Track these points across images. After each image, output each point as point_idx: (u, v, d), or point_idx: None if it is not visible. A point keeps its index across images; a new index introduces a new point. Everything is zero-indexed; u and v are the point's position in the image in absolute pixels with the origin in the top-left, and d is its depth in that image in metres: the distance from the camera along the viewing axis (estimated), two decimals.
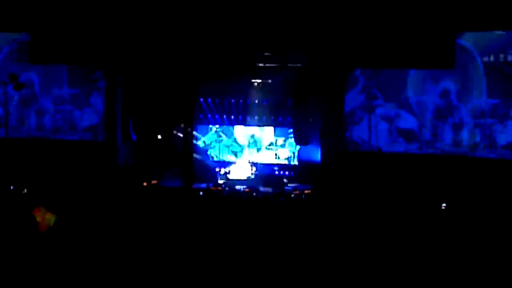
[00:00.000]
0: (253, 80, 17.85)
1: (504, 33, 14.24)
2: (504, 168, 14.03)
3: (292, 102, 18.08)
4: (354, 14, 14.34)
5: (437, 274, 5.27)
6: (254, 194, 15.75)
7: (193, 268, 5.11)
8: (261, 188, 16.99)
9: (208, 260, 5.36)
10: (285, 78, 17.39)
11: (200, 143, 19.92)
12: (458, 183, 13.86)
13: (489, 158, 14.59)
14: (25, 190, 11.24)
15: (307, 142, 17.67)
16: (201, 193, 14.93)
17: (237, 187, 17.21)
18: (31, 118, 17.54)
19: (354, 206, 11.20)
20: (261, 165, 19.57)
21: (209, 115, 19.75)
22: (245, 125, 19.95)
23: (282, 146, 19.89)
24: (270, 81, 17.81)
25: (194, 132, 18.76)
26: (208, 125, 20.05)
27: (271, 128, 19.91)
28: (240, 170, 19.35)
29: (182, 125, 17.83)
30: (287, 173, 19.25)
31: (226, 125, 20.02)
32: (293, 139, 18.63)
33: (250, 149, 20.04)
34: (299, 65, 16.15)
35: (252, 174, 19.23)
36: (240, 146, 20.13)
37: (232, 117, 19.78)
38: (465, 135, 15.03)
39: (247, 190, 16.60)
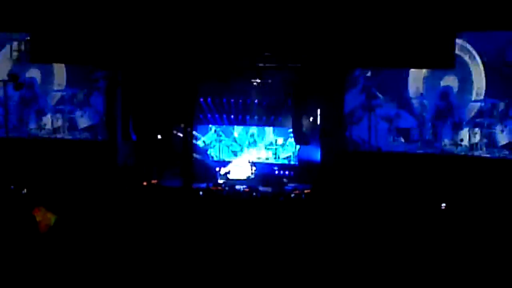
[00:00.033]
0: (253, 80, 17.85)
1: (503, 33, 14.25)
2: (504, 168, 14.04)
3: (292, 102, 18.07)
4: (354, 14, 14.33)
5: (437, 274, 5.28)
6: (254, 193, 15.76)
7: (193, 268, 5.12)
8: (261, 188, 17.00)
9: (208, 260, 5.36)
10: (285, 78, 17.39)
11: (200, 143, 19.92)
12: (457, 182, 13.87)
13: (488, 158, 14.60)
14: (25, 190, 11.25)
15: (307, 142, 17.67)
16: (201, 192, 14.93)
17: (237, 186, 17.21)
18: (31, 118, 17.56)
19: (354, 206, 11.21)
20: (261, 165, 19.56)
21: (209, 115, 19.75)
22: (245, 125, 19.94)
23: (282, 145, 19.89)
24: (270, 81, 17.81)
25: (194, 132, 18.75)
26: (208, 125, 20.04)
27: (271, 128, 19.91)
28: (240, 169, 19.35)
29: (182, 125, 17.82)
30: (287, 172, 19.25)
31: (226, 125, 20.01)
32: (293, 138, 18.62)
33: (250, 149, 20.04)
34: (299, 65, 16.15)
35: (252, 174, 19.24)
36: (240, 145, 20.13)
37: (232, 116, 19.77)
38: (464, 134, 15.04)
39: (247, 189, 16.60)
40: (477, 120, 14.86)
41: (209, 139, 20.17)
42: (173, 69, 16.33)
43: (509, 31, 14.15)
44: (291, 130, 18.69)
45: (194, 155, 18.60)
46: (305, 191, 15.87)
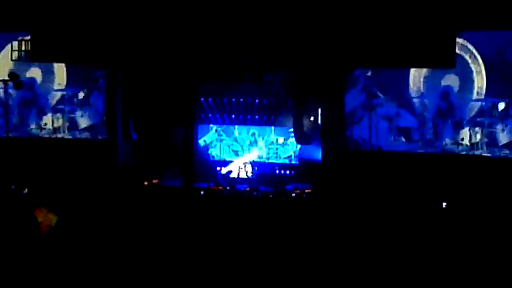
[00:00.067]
0: (253, 80, 17.83)
1: (504, 32, 14.24)
2: (505, 167, 14.04)
3: (292, 101, 18.06)
4: (354, 13, 14.33)
5: (438, 272, 5.27)
6: (255, 193, 15.75)
7: (194, 267, 5.12)
8: (262, 187, 16.98)
9: (209, 259, 5.36)
10: (286, 78, 17.38)
11: (200, 142, 19.90)
12: (458, 182, 13.87)
13: (489, 157, 14.60)
14: (26, 190, 11.26)
15: (307, 142, 17.66)
16: (202, 192, 14.94)
17: (238, 186, 17.20)
18: (32, 117, 17.56)
19: (354, 205, 11.21)
20: (262, 164, 19.54)
21: (210, 115, 19.72)
22: (245, 124, 19.92)
23: (283, 145, 19.87)
24: (270, 80, 17.78)
25: (195, 131, 18.74)
26: (209, 124, 20.02)
27: (272, 127, 19.89)
28: (240, 169, 19.34)
29: (183, 125, 17.81)
30: (287, 172, 19.21)
31: (227, 124, 19.99)
32: (293, 138, 18.61)
33: (251, 148, 20.02)
34: (300, 65, 16.13)
35: (252, 173, 19.22)
36: (241, 145, 20.11)
37: (233, 116, 19.75)
38: (465, 134, 15.04)
39: (247, 189, 16.59)
40: (478, 119, 14.87)
41: (210, 139, 20.15)
42: (174, 69, 16.31)
43: (509, 30, 14.15)
44: (292, 129, 18.67)
45: (195, 154, 18.59)
46: (306, 190, 15.87)
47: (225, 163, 19.61)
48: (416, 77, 15.67)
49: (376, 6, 14.26)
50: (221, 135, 20.08)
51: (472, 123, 14.93)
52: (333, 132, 16.25)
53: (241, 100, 19.19)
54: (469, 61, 14.82)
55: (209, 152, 20.03)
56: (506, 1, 13.61)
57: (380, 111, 16.10)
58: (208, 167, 19.31)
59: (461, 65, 14.72)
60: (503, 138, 14.50)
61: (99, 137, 17.14)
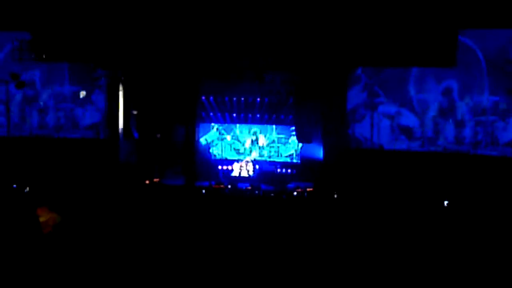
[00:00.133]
0: (254, 78, 17.83)
1: (506, 31, 14.23)
2: (506, 165, 14.04)
3: (294, 100, 18.08)
4: (356, 12, 14.32)
5: (440, 271, 5.27)
6: (256, 192, 15.76)
7: (196, 266, 5.12)
8: (263, 186, 17.00)
9: (211, 257, 5.36)
10: (287, 76, 17.38)
11: (202, 141, 19.92)
12: (460, 180, 13.87)
13: (490, 156, 14.59)
14: (28, 189, 11.27)
15: (309, 140, 17.67)
16: (203, 191, 14.94)
17: (240, 185, 17.21)
18: (33, 116, 17.58)
19: (356, 203, 11.21)
20: (263, 163, 19.56)
21: (211, 113, 19.75)
22: (247, 123, 19.94)
23: (284, 144, 19.88)
24: (272, 79, 17.79)
25: (196, 130, 18.77)
26: (210, 123, 20.04)
27: (273, 126, 19.91)
28: (242, 168, 19.36)
29: (184, 123, 17.82)
30: (289, 171, 19.24)
31: (228, 123, 20.01)
32: (295, 137, 18.62)
33: (252, 147, 20.03)
34: (301, 64, 16.13)
35: (254, 172, 19.24)
36: (242, 144, 20.13)
37: (234, 115, 19.78)
38: (467, 132, 15.04)
39: (249, 188, 16.60)
40: (479, 118, 14.85)
41: (211, 138, 20.16)
42: (175, 67, 16.31)
43: (511, 29, 14.14)
44: (293, 128, 18.69)
45: (196, 153, 18.61)
46: (308, 189, 15.87)
47: (227, 161, 19.62)
48: (418, 75, 15.67)
49: (377, 5, 14.25)
50: (223, 134, 20.10)
51: (474, 122, 14.92)
52: (335, 131, 16.26)
53: (242, 99, 19.21)
54: (471, 59, 14.81)
55: (211, 150, 20.05)
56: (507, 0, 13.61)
57: (382, 109, 16.11)
58: (209, 166, 19.34)
59: (463, 64, 14.71)
60: (504, 137, 14.49)
61: (101, 135, 17.16)
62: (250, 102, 19.26)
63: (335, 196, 13.74)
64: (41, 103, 17.45)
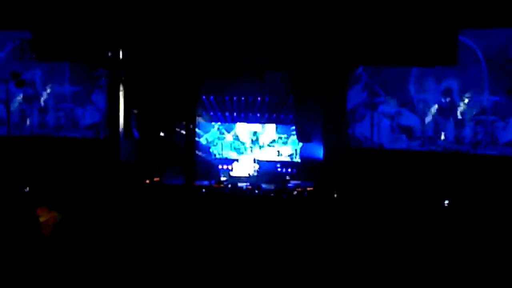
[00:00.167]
0: (255, 77, 17.83)
1: (506, 30, 14.22)
2: (506, 165, 14.03)
3: (294, 99, 18.08)
4: (356, 11, 14.32)
5: (440, 271, 5.27)
6: (257, 191, 15.76)
7: (195, 266, 5.12)
8: (264, 185, 17.00)
9: (210, 257, 5.36)
10: (287, 76, 17.38)
11: (202, 141, 19.93)
12: (460, 180, 13.86)
13: (490, 155, 14.59)
14: (28, 188, 11.26)
15: (309, 139, 17.67)
16: (203, 190, 14.94)
17: (240, 184, 17.21)
18: (34, 116, 17.58)
19: (356, 203, 11.20)
20: (264, 163, 19.57)
21: (212, 113, 19.76)
22: (247, 122, 19.94)
23: (285, 143, 19.89)
24: (272, 78, 17.80)
25: (196, 130, 18.78)
26: (211, 122, 20.05)
27: (273, 126, 19.92)
28: (242, 167, 19.36)
29: (184, 123, 17.84)
30: (289, 170, 19.26)
31: (229, 122, 20.02)
32: (295, 136, 18.63)
33: (252, 147, 20.04)
34: (301, 63, 16.14)
35: (254, 171, 19.24)
36: (243, 143, 20.13)
37: (234, 114, 19.79)
38: (467, 132, 15.03)
39: (249, 187, 16.61)
40: (480, 117, 14.85)
41: (212, 137, 20.17)
42: (176, 67, 16.32)
43: (511, 28, 14.13)
44: (293, 127, 18.70)
45: (197, 152, 18.62)
46: (308, 188, 15.88)
47: (227, 161, 19.63)
48: (418, 75, 15.66)
49: (378, 5, 14.25)
50: (223, 133, 20.11)
51: (474, 121, 14.92)
52: (335, 130, 16.26)
53: (243, 98, 19.22)
54: (471, 59, 14.81)
55: (211, 150, 20.05)
56: None
57: (382, 109, 16.10)
58: (209, 165, 19.35)
59: (463, 63, 14.71)
60: (504, 137, 14.50)
61: (101, 135, 17.15)
62: (250, 101, 19.27)
63: (335, 195, 13.73)
64: (42, 103, 17.46)
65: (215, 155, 20.08)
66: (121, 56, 16.01)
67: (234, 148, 20.10)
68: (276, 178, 18.46)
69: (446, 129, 15.37)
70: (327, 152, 16.43)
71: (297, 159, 19.53)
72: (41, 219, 4.15)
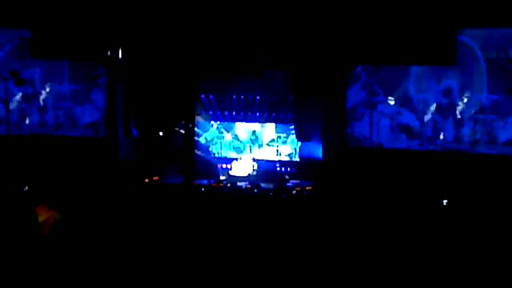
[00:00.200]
0: (254, 76, 17.83)
1: (506, 30, 14.23)
2: (505, 164, 14.04)
3: (293, 98, 18.07)
4: (355, 11, 14.32)
5: (439, 270, 5.28)
6: (256, 190, 15.76)
7: (194, 265, 5.13)
8: (263, 185, 17.00)
9: (209, 256, 5.37)
10: (287, 75, 17.37)
11: (201, 140, 19.92)
12: (459, 179, 13.87)
13: (490, 154, 14.60)
14: (27, 187, 11.25)
15: (308, 139, 17.67)
16: (202, 189, 14.94)
17: (239, 183, 17.21)
18: (33, 114, 17.57)
19: (355, 202, 11.21)
20: (263, 162, 19.57)
21: (211, 112, 19.75)
22: (246, 121, 19.94)
23: (284, 142, 19.89)
24: (271, 77, 17.79)
25: (196, 129, 18.77)
26: (210, 121, 20.04)
27: (273, 125, 19.91)
28: (241, 166, 19.36)
29: (183, 122, 17.83)
30: (288, 169, 19.26)
31: (228, 121, 20.01)
32: (294, 135, 18.62)
33: (252, 146, 20.04)
34: (300, 62, 16.15)
35: (253, 170, 19.24)
36: (242, 142, 20.13)
37: (234, 113, 19.78)
38: (466, 131, 15.05)
39: (248, 186, 16.61)
40: (479, 116, 14.86)
41: (211, 136, 20.17)
42: (175, 66, 16.32)
43: (511, 28, 14.14)
44: (292, 126, 18.69)
45: (196, 151, 18.62)
46: (307, 187, 15.88)
47: (226, 160, 19.63)
48: (418, 74, 15.67)
49: (377, 4, 14.26)
50: (222, 132, 20.10)
51: (473, 121, 14.93)
52: (334, 129, 16.26)
53: (242, 97, 19.20)
54: (470, 58, 14.82)
55: (210, 149, 20.05)
56: None
57: (381, 108, 16.11)
58: (209, 164, 19.34)
59: (462, 63, 14.72)
60: (503, 136, 14.51)
61: (100, 134, 17.15)
62: (249, 100, 19.26)
63: (334, 194, 13.74)
64: (41, 102, 17.46)
65: (214, 154, 20.07)
66: (120, 55, 16.01)
67: (233, 147, 20.10)
68: (275, 177, 18.45)
69: (445, 128, 15.38)
70: (326, 151, 16.43)
71: (296, 158, 19.52)
72: (41, 218, 4.15)
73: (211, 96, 19.18)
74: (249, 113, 19.68)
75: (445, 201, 12.34)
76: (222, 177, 18.58)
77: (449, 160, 14.91)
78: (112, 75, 16.75)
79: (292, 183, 17.74)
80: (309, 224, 7.50)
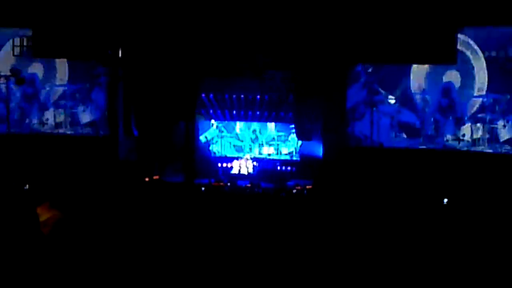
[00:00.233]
0: (254, 76, 17.83)
1: (506, 28, 14.23)
2: (505, 163, 14.04)
3: (293, 97, 18.06)
4: (355, 9, 14.31)
5: (439, 269, 5.28)
6: (256, 189, 15.77)
7: (195, 263, 5.13)
8: (263, 184, 16.99)
9: (210, 255, 5.37)
10: (287, 74, 17.37)
11: (202, 139, 19.91)
12: (459, 178, 13.87)
13: (490, 153, 14.59)
14: (27, 186, 11.25)
15: (309, 138, 17.65)
16: (203, 188, 14.95)
17: (239, 182, 17.20)
18: (33, 113, 17.58)
19: (355, 202, 11.22)
20: (263, 161, 19.55)
21: (211, 110, 19.72)
22: (246, 120, 19.92)
23: (284, 141, 19.87)
24: (271, 76, 17.79)
25: (196, 127, 18.77)
26: (210, 120, 20.03)
27: (273, 124, 19.89)
28: (241, 165, 19.35)
29: (184, 121, 17.82)
30: (288, 168, 19.22)
31: (228, 120, 19.98)
32: (295, 134, 18.61)
33: (252, 145, 20.02)
34: (300, 61, 16.15)
35: (253, 169, 19.23)
36: (242, 141, 20.11)
37: (234, 112, 19.75)
38: (466, 130, 15.04)
39: (248, 185, 16.60)
40: (479, 115, 14.86)
41: (211, 135, 20.15)
42: (175, 65, 16.31)
43: (511, 26, 14.13)
44: (293, 125, 18.68)
45: (196, 150, 18.61)
46: (307, 186, 15.87)
47: (226, 159, 19.62)
48: (418, 73, 15.67)
49: (377, 3, 14.25)
50: (222, 131, 20.09)
51: (474, 119, 14.93)
52: (335, 128, 16.26)
53: (242, 96, 19.19)
54: (471, 57, 14.82)
55: (210, 148, 20.04)
56: None
57: (382, 107, 16.10)
58: (209, 163, 19.33)
59: (463, 61, 14.72)
60: (504, 134, 14.51)
61: (101, 132, 17.16)
62: (250, 99, 19.24)
63: (335, 193, 13.74)
64: (41, 100, 17.47)
65: (214, 153, 20.06)
66: (120, 54, 16.01)
67: (234, 146, 20.09)
68: (275, 176, 18.43)
69: (445, 127, 15.38)
70: (327, 151, 16.43)
71: (297, 157, 19.50)
72: (42, 218, 4.15)
73: (211, 94, 19.17)
74: (250, 112, 19.66)
75: (445, 200, 12.35)
76: (222, 176, 18.57)
77: (450, 159, 14.91)
78: (112, 74, 16.75)
79: (292, 182, 17.73)
80: (309, 223, 7.51)
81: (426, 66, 15.44)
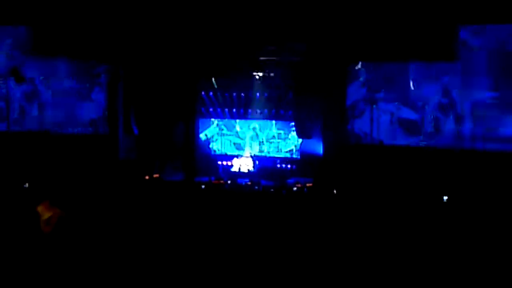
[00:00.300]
0: (254, 74, 17.84)
1: (506, 26, 14.21)
2: (506, 161, 14.03)
3: (293, 95, 18.07)
4: (355, 7, 14.30)
5: (439, 266, 5.28)
6: (256, 187, 15.77)
7: (195, 261, 5.13)
8: (263, 181, 17.00)
9: (210, 252, 5.37)
10: (287, 72, 17.38)
11: (202, 137, 19.92)
12: (459, 175, 13.87)
13: (490, 151, 14.58)
14: (27, 184, 11.27)
15: (309, 135, 17.66)
16: (203, 186, 14.95)
17: (239, 180, 17.21)
18: (33, 112, 17.55)
19: (355, 199, 11.22)
20: (263, 159, 19.57)
21: (211, 109, 19.74)
22: (246, 118, 19.93)
23: (284, 139, 19.89)
24: (271, 74, 17.80)
25: (196, 126, 18.78)
26: (210, 118, 20.04)
27: (273, 122, 19.91)
28: (242, 163, 19.37)
29: (184, 119, 17.83)
30: (289, 166, 19.25)
31: (228, 118, 20.01)
32: (295, 132, 18.62)
33: (252, 143, 20.04)
34: (300, 58, 16.15)
35: (254, 167, 19.24)
36: (242, 139, 20.13)
37: (234, 110, 19.78)
38: (466, 127, 15.03)
39: (249, 183, 16.61)
40: (480, 112, 14.85)
41: (211, 133, 20.17)
42: (175, 63, 16.32)
43: (511, 24, 14.12)
44: (293, 123, 18.69)
45: (196, 148, 18.62)
46: (307, 184, 15.88)
47: (226, 157, 19.64)
48: (418, 70, 15.65)
49: (377, 0, 14.24)
50: (223, 129, 20.11)
51: (474, 117, 14.92)
52: (334, 126, 16.25)
53: (242, 94, 19.21)
54: (471, 54, 14.80)
55: (210, 146, 20.06)
56: None
57: (381, 104, 16.09)
58: (209, 161, 19.35)
59: (463, 59, 14.70)
60: (504, 132, 14.49)
61: (101, 131, 17.14)
62: (250, 97, 19.26)
63: (335, 191, 13.75)
64: (41, 99, 17.45)
65: (214, 151, 20.08)
66: (120, 54, 16.00)
67: (234, 144, 20.10)
68: (276, 174, 18.45)
69: (445, 125, 15.37)
70: (327, 148, 16.43)
71: (297, 155, 19.52)
72: (44, 217, 4.15)
73: (211, 93, 19.18)
74: (250, 110, 19.68)
75: (445, 198, 12.35)
76: (222, 174, 18.58)
77: (450, 156, 14.89)
78: (112, 72, 16.75)
79: (293, 179, 17.74)
80: (310, 221, 7.51)
81: (426, 63, 15.41)
